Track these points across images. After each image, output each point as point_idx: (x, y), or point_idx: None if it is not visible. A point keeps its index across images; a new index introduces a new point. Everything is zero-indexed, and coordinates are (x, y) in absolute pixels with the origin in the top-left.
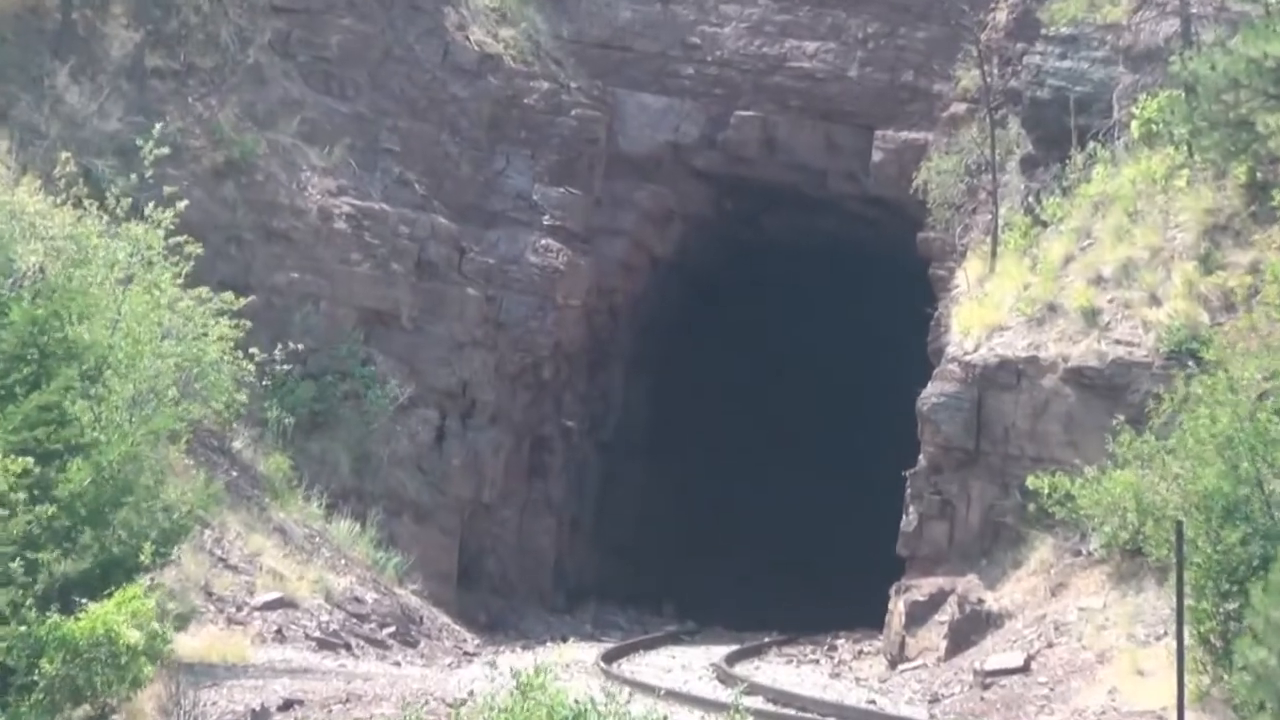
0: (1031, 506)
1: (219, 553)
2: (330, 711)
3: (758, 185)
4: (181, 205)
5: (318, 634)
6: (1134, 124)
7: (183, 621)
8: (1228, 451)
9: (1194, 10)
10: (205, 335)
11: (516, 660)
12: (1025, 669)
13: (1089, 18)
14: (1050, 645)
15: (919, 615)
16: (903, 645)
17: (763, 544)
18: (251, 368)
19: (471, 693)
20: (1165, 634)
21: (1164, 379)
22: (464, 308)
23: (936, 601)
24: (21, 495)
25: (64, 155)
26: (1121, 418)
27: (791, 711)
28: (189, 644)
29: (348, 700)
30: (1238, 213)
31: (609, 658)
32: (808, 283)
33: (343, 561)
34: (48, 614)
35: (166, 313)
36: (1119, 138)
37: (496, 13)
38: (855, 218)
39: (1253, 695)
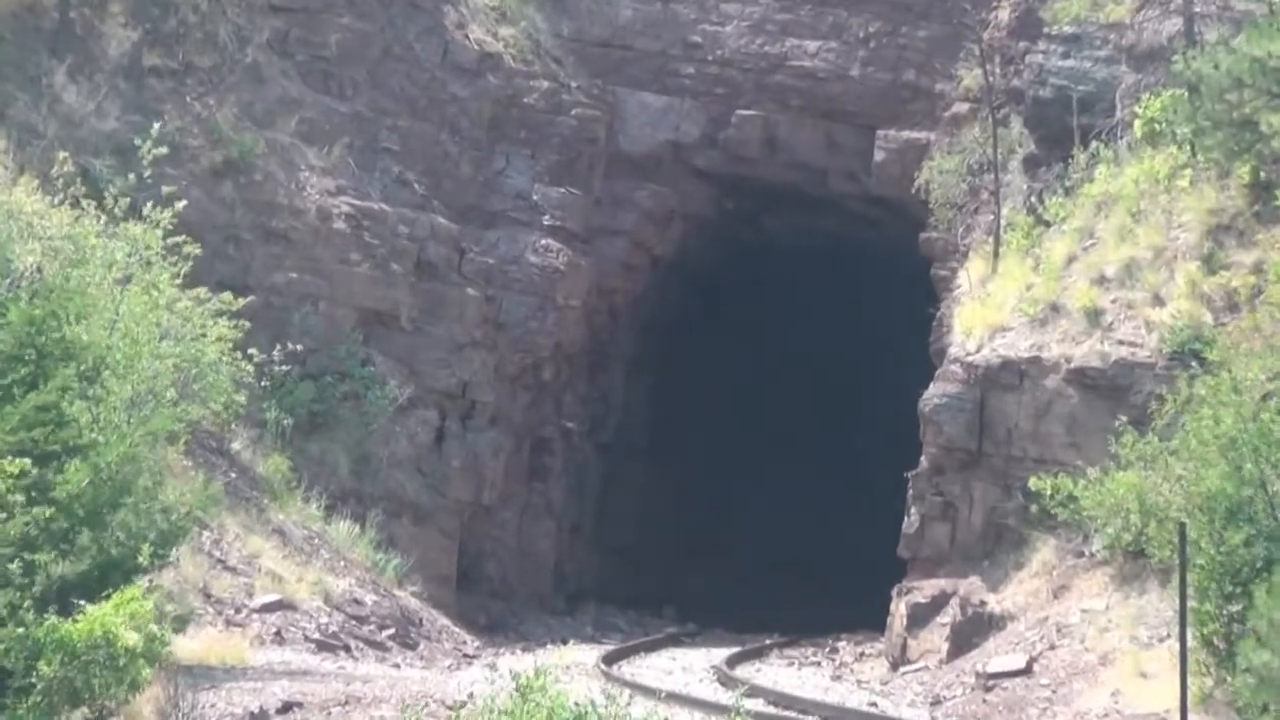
0: (1034, 508)
1: (218, 554)
2: (329, 714)
3: (759, 185)
4: (180, 205)
5: (317, 636)
6: (1137, 123)
7: (181, 623)
8: (1231, 453)
9: (1197, 9)
10: (204, 336)
11: (516, 662)
12: (1027, 671)
13: (1092, 16)
14: (1052, 647)
15: (921, 617)
16: (904, 647)
17: (764, 545)
18: (250, 368)
19: (471, 695)
20: (1168, 636)
21: (1167, 380)
22: (464, 308)
23: (938, 603)
24: (19, 497)
25: (62, 155)
26: (1124, 419)
27: (793, 714)
28: (187, 646)
29: (347, 702)
30: (1241, 212)
31: (609, 660)
32: (809, 283)
33: (342, 563)
34: (46, 616)
35: (165, 313)
36: (1122, 137)
37: (496, 11)
38: (857, 218)
39: (1256, 697)
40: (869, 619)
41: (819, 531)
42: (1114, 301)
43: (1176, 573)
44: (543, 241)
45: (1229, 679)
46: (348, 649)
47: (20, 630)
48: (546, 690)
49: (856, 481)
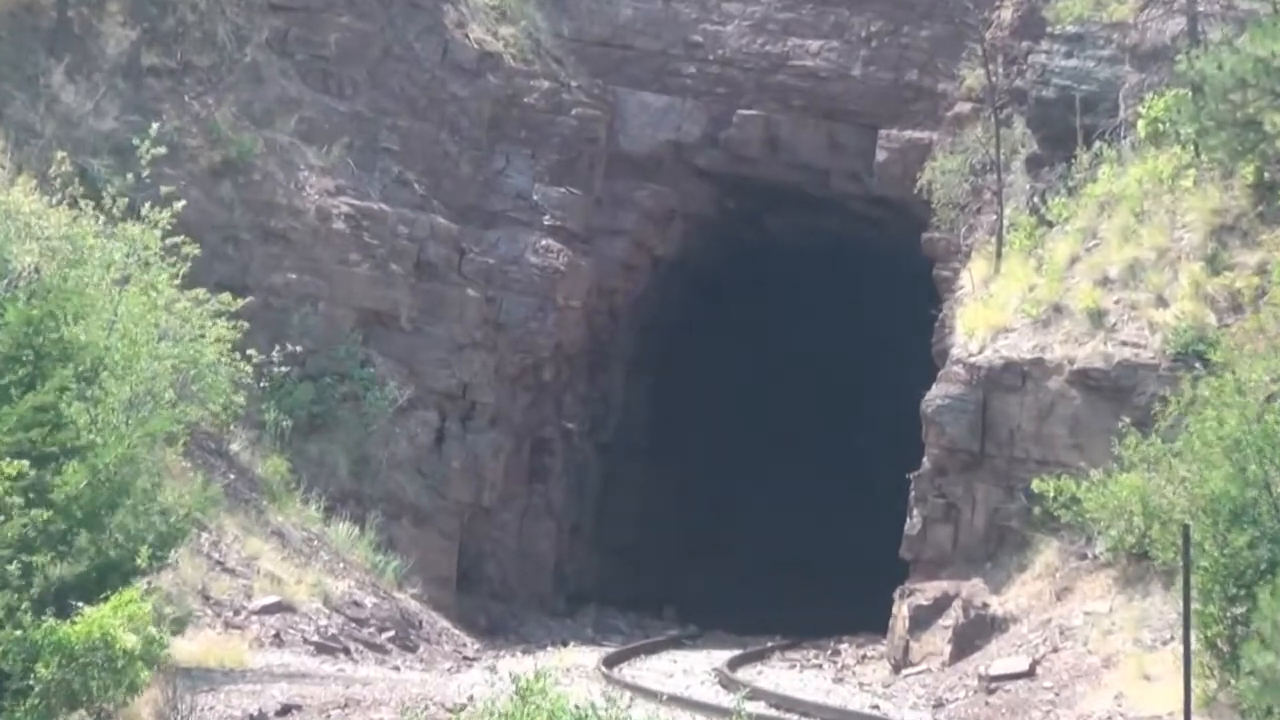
0: (1037, 510)
1: (216, 556)
2: (329, 716)
3: (760, 185)
4: (178, 205)
5: (316, 638)
6: (1140, 123)
7: (180, 625)
8: (1235, 454)
9: (1201, 9)
10: (203, 337)
11: (516, 665)
12: (1030, 674)
13: (1095, 16)
14: (1055, 650)
15: (923, 619)
16: (907, 650)
17: (765, 546)
18: (249, 369)
19: (471, 698)
20: (1172, 638)
21: (1170, 381)
22: (463, 309)
23: (941, 605)
24: (18, 499)
25: (59, 154)
26: (1127, 420)
27: (794, 717)
28: (186, 648)
29: (346, 705)
30: (1245, 213)
31: (610, 662)
32: (810, 283)
33: (341, 565)
34: (44, 618)
35: (163, 314)
36: (1125, 137)
37: (496, 10)
38: (858, 218)
39: (1260, 700)
40: (871, 619)
41: (820, 532)
42: (1117, 302)
43: (1180, 575)
44: (543, 242)
45: (1233, 681)
46: (347, 651)
47: (18, 632)
48: (547, 693)
49: (858, 482)
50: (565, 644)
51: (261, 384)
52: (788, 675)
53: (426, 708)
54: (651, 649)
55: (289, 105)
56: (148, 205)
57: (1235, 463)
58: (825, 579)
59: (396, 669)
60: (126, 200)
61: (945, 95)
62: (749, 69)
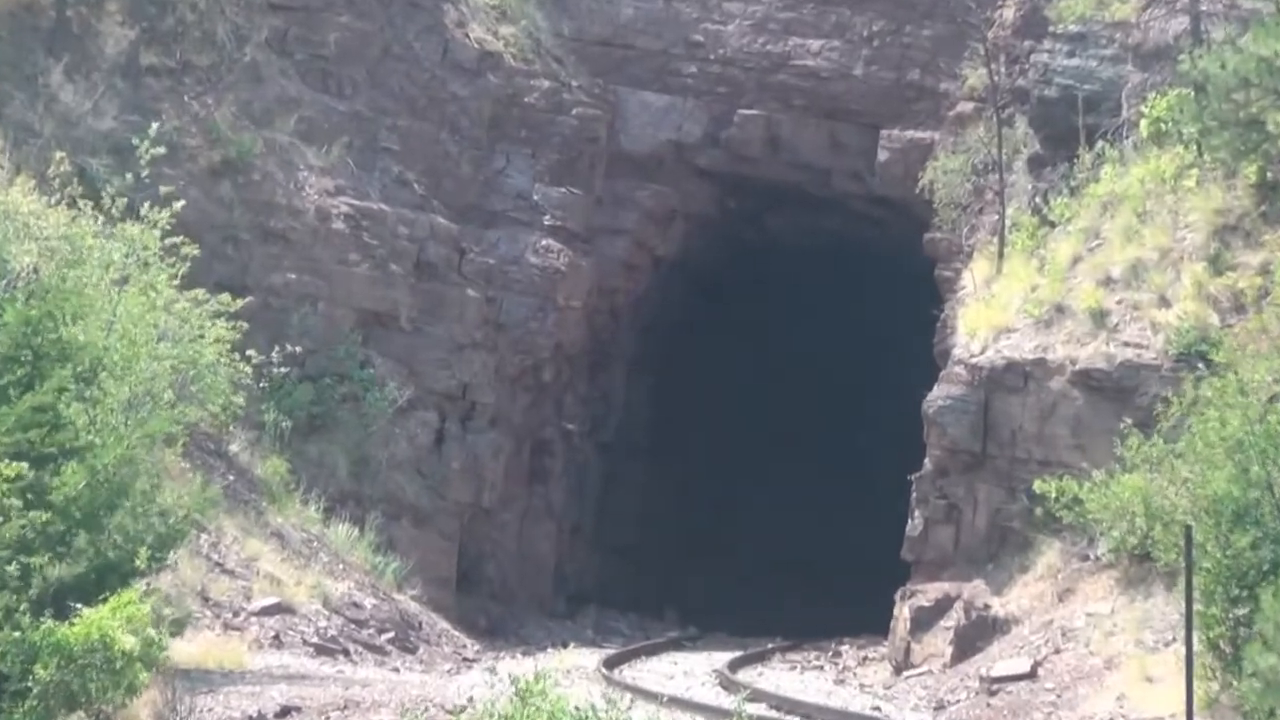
0: (1039, 510)
1: (215, 557)
2: (328, 718)
3: (761, 184)
4: (177, 205)
5: (315, 640)
6: (1143, 123)
7: (179, 627)
8: (1238, 455)
9: (1203, 8)
10: (202, 337)
11: (516, 666)
12: (1032, 675)
13: (1097, 15)
14: (1057, 651)
15: (924, 621)
16: (908, 651)
17: (766, 547)
18: (248, 370)
19: (471, 699)
20: (1174, 640)
21: (1173, 381)
22: (463, 309)
23: (942, 607)
24: (16, 501)
25: (58, 154)
26: (1130, 421)
27: (795, 718)
28: (185, 650)
29: (346, 707)
30: (1248, 213)
31: (610, 664)
32: (812, 283)
33: (341, 566)
34: (42, 619)
35: (163, 314)
36: (1128, 137)
37: (496, 10)
38: (860, 218)
39: (1263, 702)
40: (872, 621)
41: (822, 533)
42: (1119, 303)
43: (1182, 576)
44: (543, 242)
45: (1235, 683)
46: (346, 653)
47: (17, 634)
48: (546, 694)
49: (859, 483)
50: (565, 645)
51: (261, 384)
52: (789, 677)
53: (426, 709)
54: (652, 650)
55: (288, 105)
56: (147, 205)
57: (1238, 463)
58: (826, 580)
59: (396, 670)
60: (125, 200)
61: (947, 95)
62: (750, 68)
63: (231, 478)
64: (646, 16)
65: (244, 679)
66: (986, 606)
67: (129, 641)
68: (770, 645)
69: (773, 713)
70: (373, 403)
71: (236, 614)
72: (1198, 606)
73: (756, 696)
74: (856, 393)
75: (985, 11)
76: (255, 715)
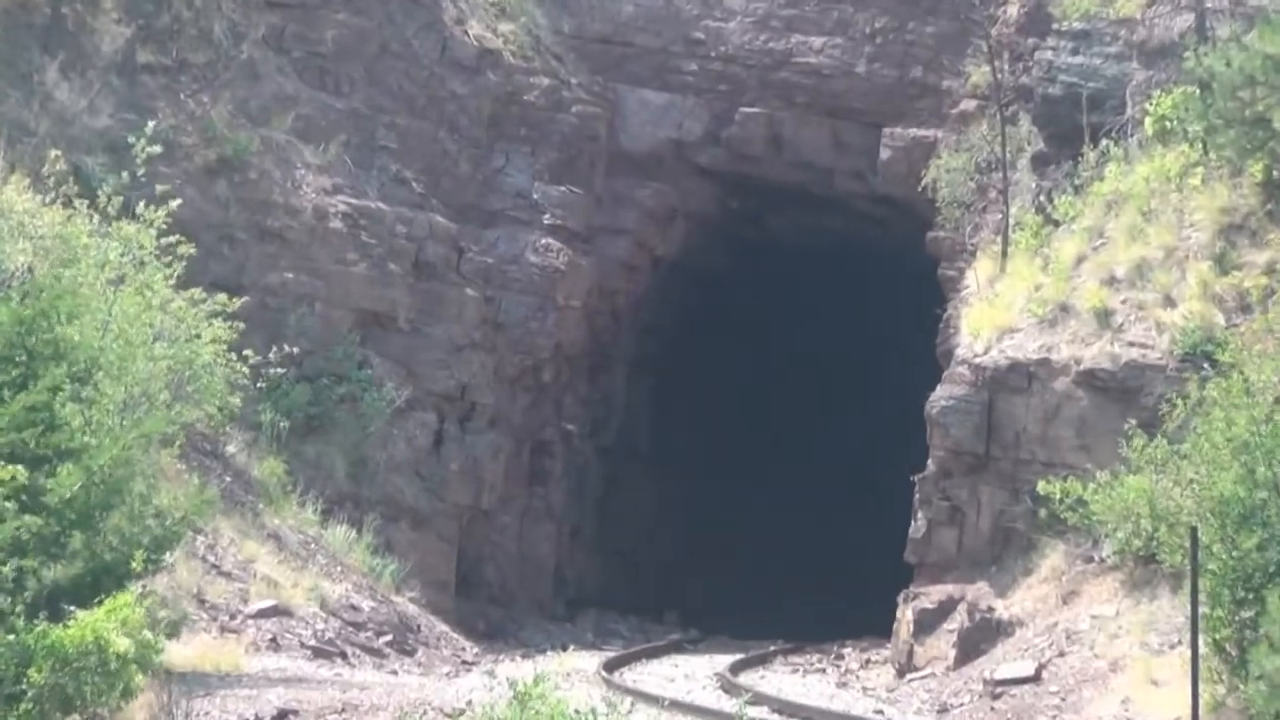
0: (1043, 512)
1: (212, 559)
2: None
3: (763, 183)
4: (174, 204)
5: (313, 642)
6: (1148, 121)
7: (175, 629)
8: (1244, 456)
9: (1209, 5)
10: (198, 337)
11: (515, 669)
12: (1036, 678)
13: (1102, 12)
14: (1062, 654)
15: (927, 623)
16: (911, 654)
17: (768, 549)
18: (245, 370)
19: (470, 702)
20: (1179, 642)
21: (1178, 382)
22: (462, 309)
23: (945, 609)
24: (11, 504)
25: (53, 153)
26: (1134, 422)
27: None
28: (181, 653)
29: (344, 710)
30: (1254, 211)
31: (610, 667)
32: (813, 283)
33: (338, 568)
34: (37, 622)
35: (158, 314)
36: (1132, 135)
37: (495, 7)
38: (863, 217)
39: (1269, 705)
40: (875, 622)
41: (824, 534)
42: (1124, 302)
43: (1188, 578)
44: (543, 241)
45: (1241, 686)
46: (344, 656)
47: (11, 637)
48: (546, 698)
49: (862, 484)
50: (565, 648)
51: (258, 385)
52: (790, 680)
53: (424, 713)
54: (653, 653)
55: (286, 103)
56: (143, 204)
57: (1244, 464)
58: (828, 582)
59: (394, 673)
60: (121, 199)
61: (950, 92)
62: (751, 66)
63: (228, 479)
64: (647, 14)
65: (241, 682)
66: (990, 609)
67: (124, 644)
68: (772, 648)
69: (775, 716)
70: (371, 403)
71: (233, 616)
72: (1203, 609)
73: (758, 700)
74: (859, 393)
75: (989, 8)
76: (252, 718)
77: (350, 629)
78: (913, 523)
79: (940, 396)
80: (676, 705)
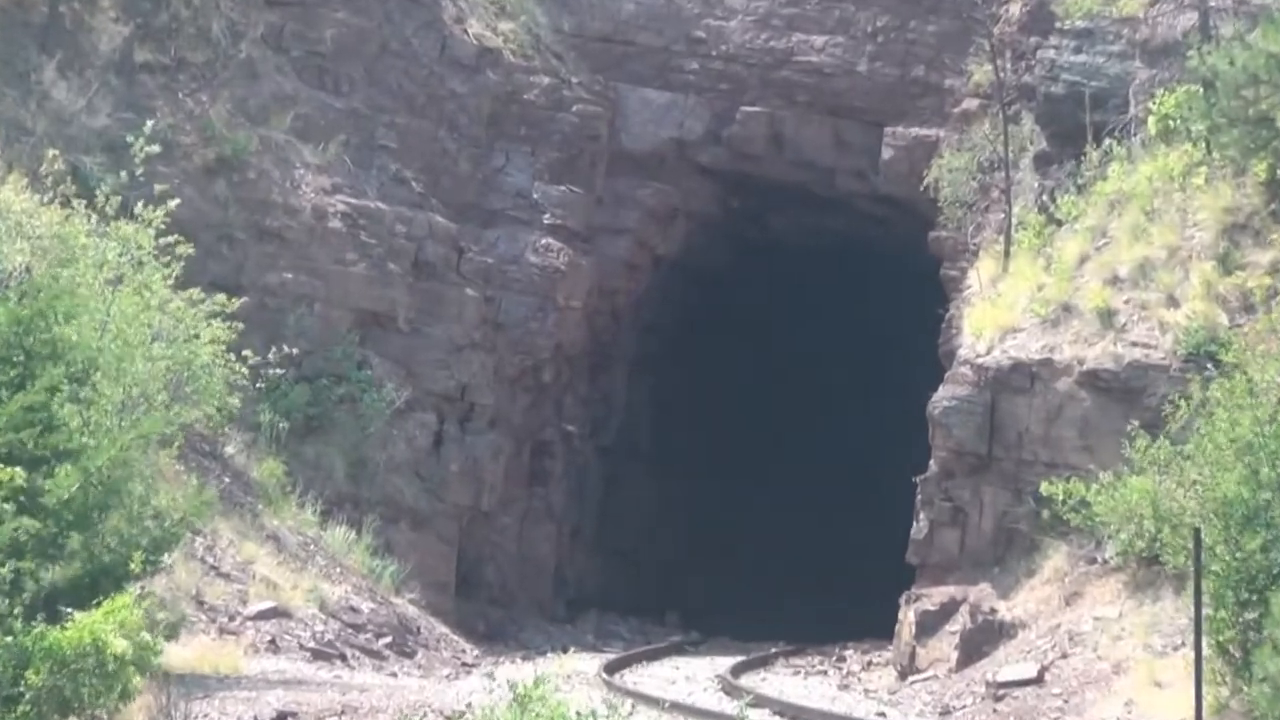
0: (1045, 513)
1: (211, 561)
2: None
3: (764, 183)
4: (172, 204)
5: (312, 644)
6: (1151, 120)
7: (173, 631)
8: (1247, 456)
9: (1212, 3)
10: (197, 338)
11: (515, 671)
12: (1039, 680)
13: (1104, 11)
14: (1065, 656)
15: (930, 625)
16: (913, 656)
17: (769, 548)
18: (244, 371)
19: (469, 705)
20: (1183, 644)
21: (1181, 382)
22: (462, 309)
23: (948, 611)
24: (9, 505)
25: (51, 152)
26: (1137, 422)
27: None
28: (180, 654)
29: (343, 712)
30: (1257, 211)
31: (611, 669)
32: (815, 283)
33: (338, 570)
34: (34, 624)
35: (157, 314)
36: (1135, 134)
37: (495, 6)
38: (864, 216)
39: (1273, 707)
40: (877, 623)
41: (826, 535)
42: (1127, 302)
43: (1191, 579)
44: (543, 241)
45: (1245, 688)
46: (344, 658)
47: (9, 638)
48: (546, 700)
49: (864, 485)
50: (565, 650)
51: (257, 386)
52: (792, 682)
53: (424, 715)
54: (653, 655)
55: (285, 102)
56: (141, 204)
57: (1247, 465)
58: (830, 582)
59: (394, 675)
60: (119, 199)
61: (952, 91)
62: (753, 65)
63: (227, 480)
64: (647, 12)
65: (240, 684)
66: (993, 610)
67: (122, 646)
68: (773, 650)
69: (776, 718)
70: (370, 404)
71: (232, 618)
72: (1207, 610)
73: (759, 702)
74: (861, 394)
75: (991, 7)
76: None
77: (350, 631)
78: (915, 524)
79: (942, 397)
80: (677, 707)
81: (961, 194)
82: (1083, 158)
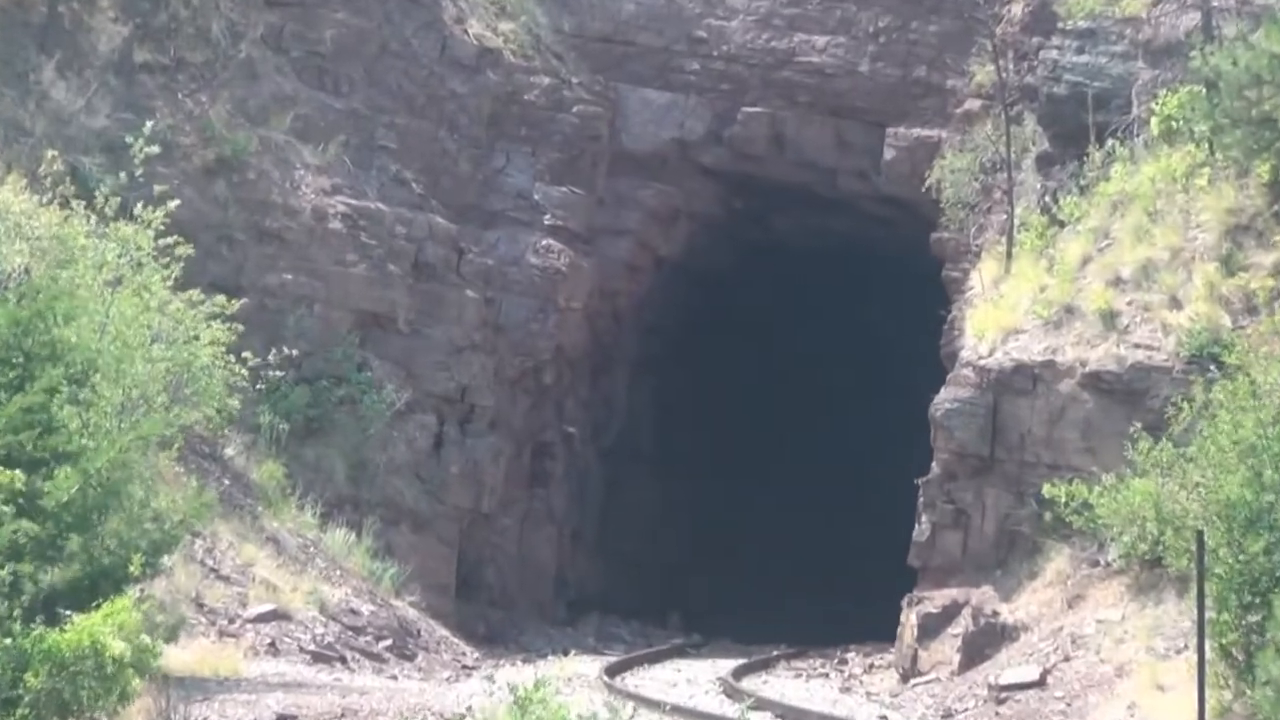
0: (1048, 515)
1: (210, 563)
2: None
3: (766, 183)
4: (172, 205)
5: (312, 647)
6: (1154, 121)
7: (172, 634)
8: (1250, 459)
9: (1215, 3)
10: (196, 339)
11: (516, 674)
12: (1041, 683)
13: (1107, 11)
14: (1067, 659)
15: (932, 628)
16: (915, 659)
17: (771, 552)
18: (244, 372)
19: (470, 708)
20: (1186, 647)
21: (1184, 384)
22: (462, 310)
23: (950, 613)
24: (8, 508)
25: (50, 153)
26: (1140, 424)
27: None
28: (179, 657)
29: (343, 715)
30: (1260, 212)
31: (612, 671)
32: (818, 284)
33: (338, 572)
34: (33, 626)
35: (156, 316)
36: (1138, 135)
37: (495, 6)
38: (866, 217)
39: (1276, 711)
40: (879, 629)
41: (828, 537)
42: (1130, 303)
43: (1194, 582)
44: (544, 242)
45: (1248, 691)
46: (344, 660)
47: (8, 641)
48: (547, 703)
49: (866, 486)
50: (566, 653)
51: (256, 387)
52: (794, 685)
53: (424, 718)
54: (655, 658)
55: (284, 102)
56: (140, 205)
57: (1250, 467)
58: (832, 582)
59: (394, 678)
60: (119, 200)
61: (954, 92)
62: (754, 65)
63: (227, 482)
64: (648, 12)
65: (239, 687)
66: (995, 613)
67: (120, 648)
68: (775, 652)
69: None
70: (370, 406)
71: (232, 621)
72: (1210, 613)
73: (761, 705)
74: (863, 395)
75: (993, 7)
76: None
77: (350, 633)
78: (917, 526)
79: (945, 399)
80: (679, 710)
81: (964, 195)
82: (1085, 158)
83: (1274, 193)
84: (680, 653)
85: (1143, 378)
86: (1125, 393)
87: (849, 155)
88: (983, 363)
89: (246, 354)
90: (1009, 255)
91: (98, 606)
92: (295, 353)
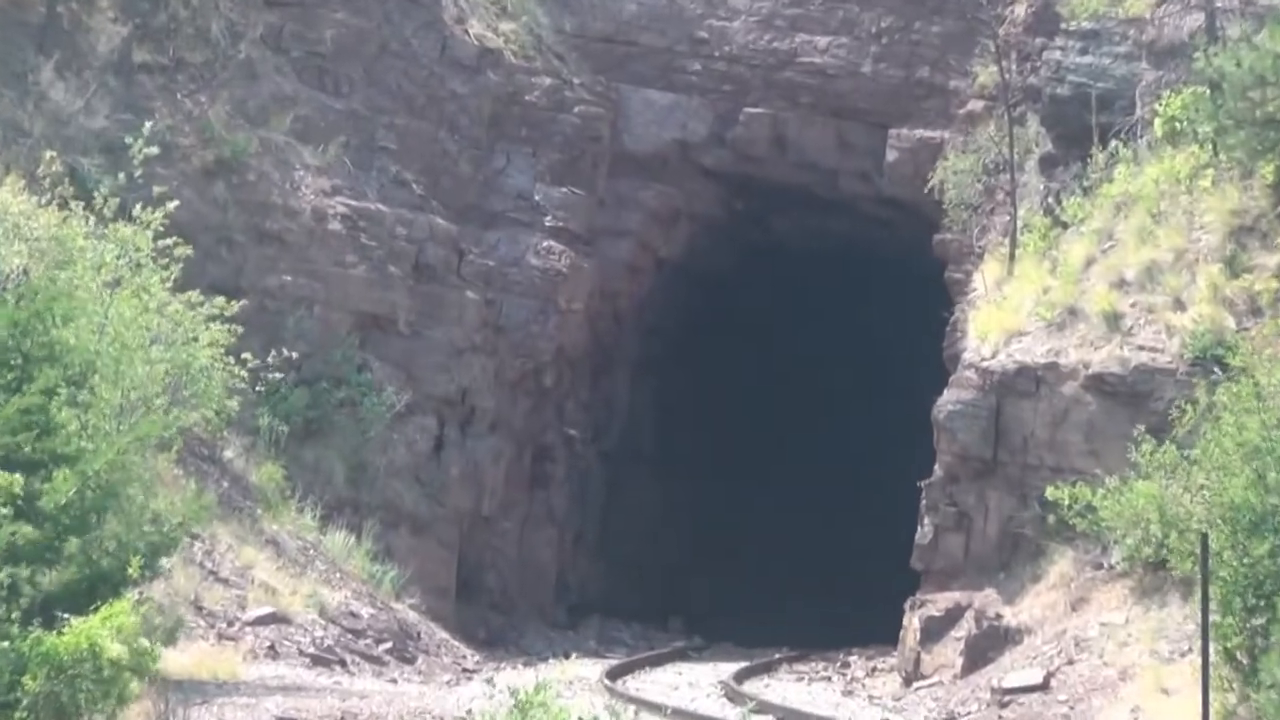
0: (1051, 518)
1: (209, 566)
2: None
3: (768, 185)
4: (171, 206)
5: (311, 650)
6: (1157, 122)
7: (171, 637)
8: (1255, 461)
9: (1219, 4)
10: (196, 341)
11: (517, 677)
12: (1045, 687)
13: (1111, 12)
14: (1071, 662)
15: (934, 631)
16: (918, 662)
17: (773, 555)
18: (243, 374)
19: (470, 711)
20: (1190, 650)
21: (1188, 386)
22: (463, 312)
23: (953, 617)
24: (6, 510)
25: (49, 154)
26: (1144, 427)
27: None
28: (178, 660)
29: (343, 718)
30: (1264, 214)
31: (613, 675)
32: (819, 285)
33: (337, 575)
34: (31, 629)
35: (155, 317)
36: (1142, 136)
37: (496, 6)
38: (868, 219)
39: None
40: (882, 632)
41: (831, 541)
42: (1133, 305)
43: (1198, 585)
44: (544, 243)
45: (1252, 695)
46: (343, 663)
47: (5, 644)
48: (547, 706)
49: (868, 489)
50: (567, 656)
51: (256, 389)
52: (796, 688)
53: None
54: (656, 661)
55: (284, 103)
56: (139, 206)
57: (1255, 470)
58: (834, 584)
59: (394, 681)
60: (118, 201)
61: (957, 93)
62: (756, 66)
63: (226, 484)
64: (650, 13)
65: (238, 690)
66: (998, 616)
67: (118, 651)
68: (777, 655)
69: None
70: (370, 408)
71: (231, 624)
72: (1214, 616)
73: (763, 708)
74: (865, 397)
75: (996, 8)
76: None
77: (349, 636)
78: (919, 528)
79: (947, 401)
80: (681, 714)
81: (966, 196)
82: (1088, 160)
83: (1278, 194)
84: (682, 656)
85: (1146, 380)
86: (1129, 395)
87: (851, 156)
88: (985, 365)
89: (246, 356)
90: (1012, 257)
91: (96, 609)
92: (295, 354)
